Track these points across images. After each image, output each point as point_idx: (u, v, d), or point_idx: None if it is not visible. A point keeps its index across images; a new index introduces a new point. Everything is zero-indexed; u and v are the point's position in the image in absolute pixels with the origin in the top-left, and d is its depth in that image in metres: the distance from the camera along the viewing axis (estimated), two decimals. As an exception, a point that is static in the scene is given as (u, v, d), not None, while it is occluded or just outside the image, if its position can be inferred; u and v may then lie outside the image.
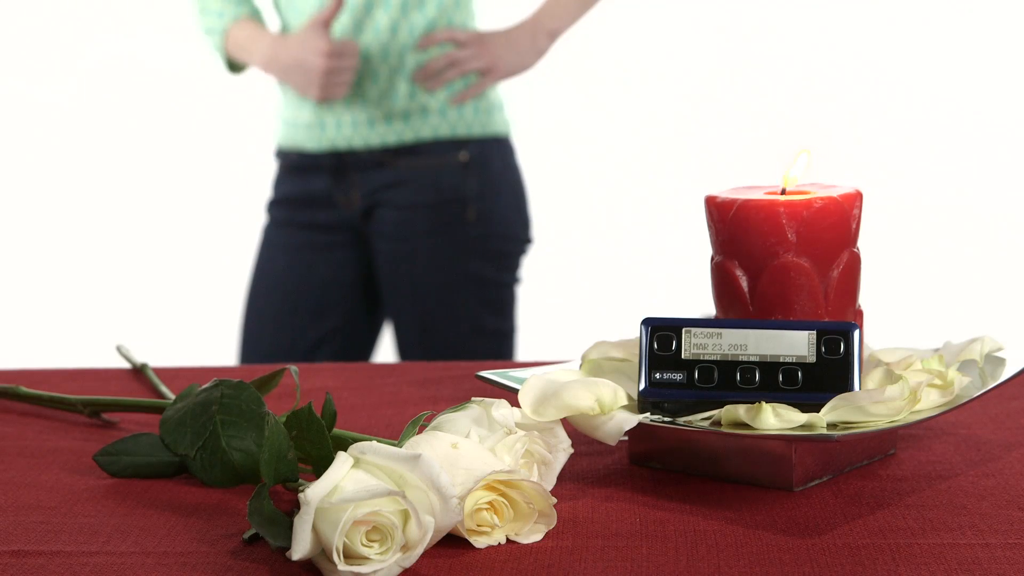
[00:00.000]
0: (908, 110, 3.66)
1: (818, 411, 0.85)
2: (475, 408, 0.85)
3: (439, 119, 2.02)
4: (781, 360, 0.87)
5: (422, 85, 1.99)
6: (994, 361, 0.97)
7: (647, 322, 0.90)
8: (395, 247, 2.05)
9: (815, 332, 0.87)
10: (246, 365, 2.00)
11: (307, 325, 2.09)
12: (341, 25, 1.98)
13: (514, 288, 2.11)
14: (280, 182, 2.11)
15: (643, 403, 0.89)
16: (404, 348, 2.10)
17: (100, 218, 3.70)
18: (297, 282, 2.08)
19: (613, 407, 0.88)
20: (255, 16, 2.07)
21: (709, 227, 0.93)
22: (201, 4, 2.08)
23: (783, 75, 3.66)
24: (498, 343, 2.08)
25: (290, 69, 1.99)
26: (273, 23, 2.11)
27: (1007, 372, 0.94)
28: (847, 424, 0.85)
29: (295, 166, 2.08)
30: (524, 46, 2.04)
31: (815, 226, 0.90)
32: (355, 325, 2.11)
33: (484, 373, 0.99)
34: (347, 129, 2.02)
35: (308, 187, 2.07)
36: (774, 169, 0.96)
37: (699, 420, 0.88)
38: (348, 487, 0.76)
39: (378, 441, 0.79)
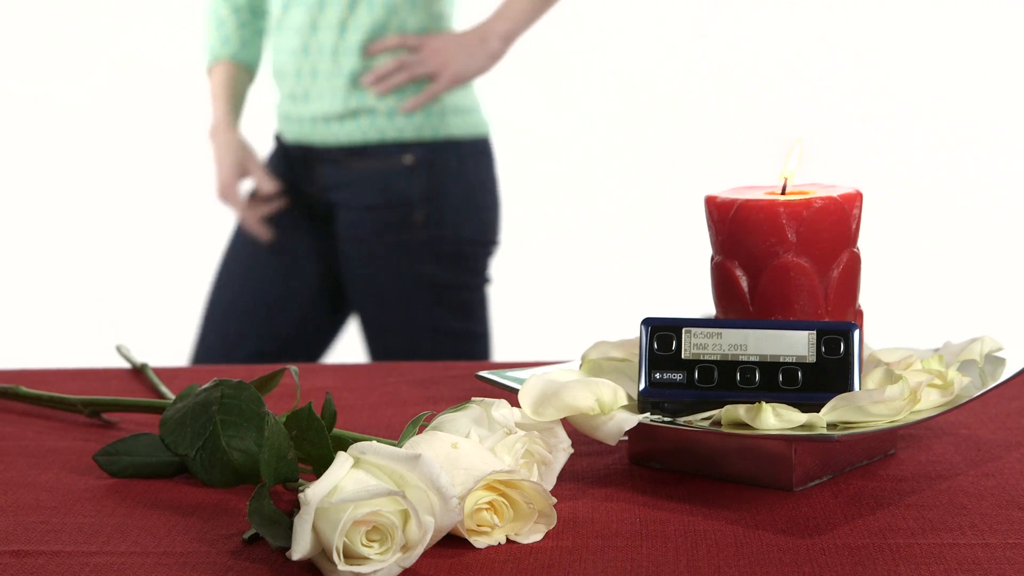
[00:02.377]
0: (908, 110, 3.66)
1: (818, 411, 0.85)
2: (475, 408, 0.85)
3: (386, 121, 2.02)
4: (781, 360, 0.87)
5: (371, 89, 2.00)
6: (994, 361, 0.97)
7: (647, 322, 0.90)
8: (350, 248, 2.07)
9: (815, 332, 0.87)
10: (246, 365, 2.00)
11: (265, 320, 2.11)
12: (298, 21, 2.00)
13: (481, 290, 2.10)
14: (269, 163, 2.15)
15: (643, 403, 0.89)
16: (369, 348, 2.12)
17: (100, 218, 3.70)
18: (260, 275, 2.11)
19: (613, 407, 0.88)
20: (237, 58, 2.12)
21: (709, 227, 0.93)
22: (215, 19, 2.12)
23: (784, 74, 3.66)
24: (466, 345, 2.07)
25: (215, 157, 2.12)
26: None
27: (1007, 372, 0.94)
28: (847, 424, 0.85)
29: (280, 151, 2.13)
30: (475, 49, 2.01)
31: (815, 226, 0.90)
32: (315, 322, 2.13)
33: (484, 373, 0.99)
34: (307, 125, 2.06)
35: (288, 173, 2.11)
36: (774, 169, 0.96)
37: (699, 420, 0.88)
38: (348, 487, 0.76)
39: (378, 441, 0.79)
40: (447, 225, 2.05)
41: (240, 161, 2.10)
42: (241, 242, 2.15)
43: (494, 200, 2.11)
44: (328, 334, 2.17)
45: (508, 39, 2.03)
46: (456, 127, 2.05)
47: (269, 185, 2.08)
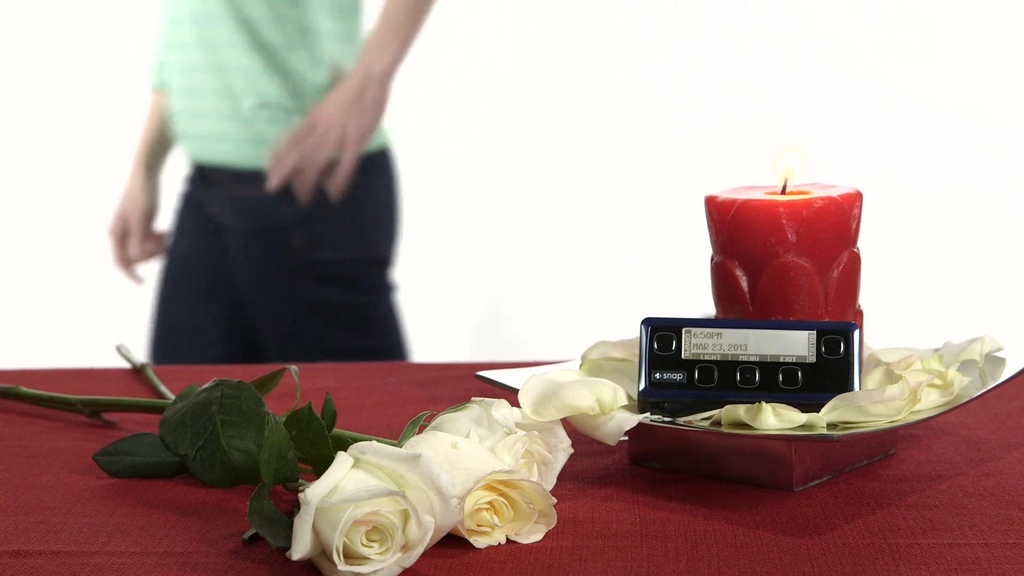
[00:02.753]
0: (908, 109, 3.66)
1: (818, 411, 0.85)
2: (475, 408, 0.85)
3: (256, 148, 1.98)
4: (781, 360, 0.87)
5: (286, 191, 1.95)
6: (994, 361, 0.97)
7: (647, 322, 0.90)
8: (240, 273, 2.03)
9: (815, 332, 0.87)
10: (245, 365, 2.00)
11: (195, 347, 2.10)
12: (177, 39, 2.00)
13: (380, 306, 2.05)
14: (186, 181, 2.14)
15: (643, 403, 0.89)
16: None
17: (100, 219, 3.69)
18: (185, 305, 2.10)
19: (613, 407, 0.88)
20: (170, 87, 2.10)
21: (709, 227, 0.93)
22: (161, 40, 2.10)
23: (784, 74, 3.66)
24: (376, 361, 2.04)
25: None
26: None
27: (1007, 372, 0.94)
28: (847, 424, 0.85)
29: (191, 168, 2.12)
30: (359, 104, 1.90)
31: (815, 226, 0.90)
32: (240, 344, 2.10)
33: (484, 373, 0.99)
34: (197, 142, 2.04)
35: (197, 192, 2.09)
36: (773, 170, 0.96)
37: (699, 420, 0.88)
38: (348, 487, 0.76)
39: (378, 441, 0.79)
40: (327, 247, 1.99)
41: (125, 216, 2.13)
42: (167, 269, 2.13)
43: (385, 216, 2.05)
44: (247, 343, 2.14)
45: (384, 79, 1.92)
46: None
47: (135, 253, 2.12)
